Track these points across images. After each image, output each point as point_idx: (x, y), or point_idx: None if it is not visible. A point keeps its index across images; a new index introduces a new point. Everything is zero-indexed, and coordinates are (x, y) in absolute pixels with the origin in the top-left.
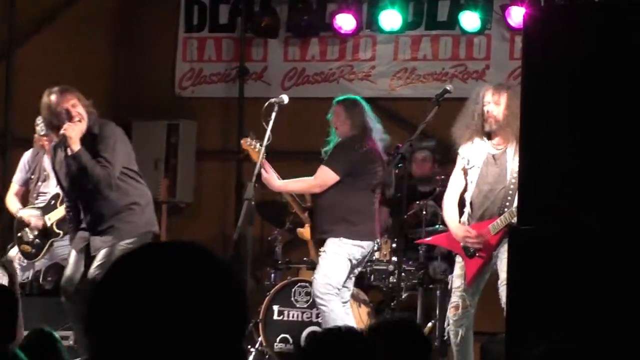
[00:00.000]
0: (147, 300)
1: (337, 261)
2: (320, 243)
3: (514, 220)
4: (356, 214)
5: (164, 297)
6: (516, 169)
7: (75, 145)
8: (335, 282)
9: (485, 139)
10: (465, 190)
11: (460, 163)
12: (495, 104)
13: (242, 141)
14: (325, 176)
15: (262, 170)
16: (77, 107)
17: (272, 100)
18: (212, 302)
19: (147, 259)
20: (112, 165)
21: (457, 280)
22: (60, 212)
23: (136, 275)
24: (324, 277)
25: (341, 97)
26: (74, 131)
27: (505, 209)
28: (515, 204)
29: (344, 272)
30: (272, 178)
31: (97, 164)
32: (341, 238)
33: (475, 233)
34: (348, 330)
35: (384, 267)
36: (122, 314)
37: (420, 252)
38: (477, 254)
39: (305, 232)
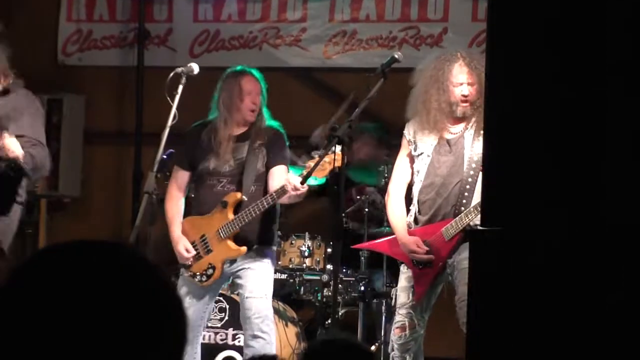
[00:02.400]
0: (62, 314)
1: (272, 277)
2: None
3: (474, 221)
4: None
5: (81, 310)
6: (475, 157)
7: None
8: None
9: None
10: (411, 182)
11: (405, 147)
12: (470, 85)
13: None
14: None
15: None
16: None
17: (179, 70)
18: (146, 322)
19: (63, 261)
20: None
21: (402, 294)
22: None
23: (49, 283)
24: (266, 298)
25: (254, 70)
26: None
27: (462, 208)
28: (474, 201)
29: None
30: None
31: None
32: (273, 247)
33: (425, 249)
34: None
35: (317, 278)
36: (28, 331)
37: (362, 258)
38: (427, 264)
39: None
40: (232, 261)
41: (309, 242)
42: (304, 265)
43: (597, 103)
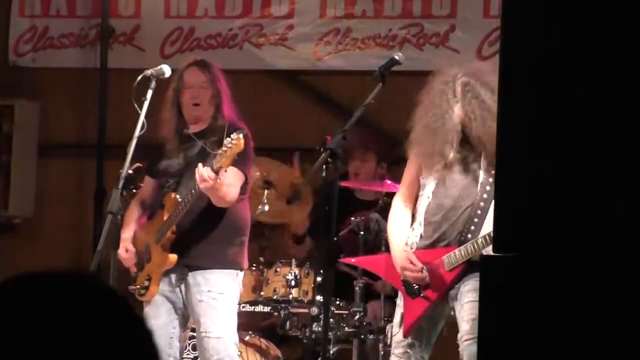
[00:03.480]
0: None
1: (233, 309)
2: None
3: (483, 252)
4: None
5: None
6: (490, 180)
7: None
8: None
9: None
10: (417, 196)
11: (414, 157)
12: (468, 124)
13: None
14: (241, 182)
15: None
16: None
17: (148, 72)
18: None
19: (8, 300)
20: None
21: (398, 329)
22: None
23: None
24: (232, 333)
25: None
26: None
27: (469, 236)
28: (484, 230)
29: None
30: None
31: None
32: (235, 270)
33: (419, 266)
34: None
35: (305, 310)
36: None
37: (357, 288)
38: (421, 294)
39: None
40: (179, 279)
41: (295, 270)
42: (290, 296)
43: (623, 125)
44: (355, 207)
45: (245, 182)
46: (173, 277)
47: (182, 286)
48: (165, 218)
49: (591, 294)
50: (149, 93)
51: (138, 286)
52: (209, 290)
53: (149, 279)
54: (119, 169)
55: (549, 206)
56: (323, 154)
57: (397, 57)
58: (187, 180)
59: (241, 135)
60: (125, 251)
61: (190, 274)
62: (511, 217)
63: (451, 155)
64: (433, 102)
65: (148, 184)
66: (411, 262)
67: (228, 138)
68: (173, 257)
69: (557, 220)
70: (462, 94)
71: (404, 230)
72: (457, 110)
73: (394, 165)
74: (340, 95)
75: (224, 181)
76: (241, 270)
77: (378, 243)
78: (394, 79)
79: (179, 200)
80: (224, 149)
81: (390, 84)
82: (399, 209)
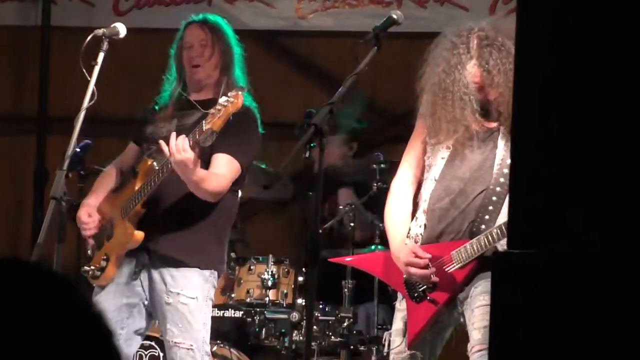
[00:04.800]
0: None
1: (205, 315)
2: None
3: (499, 246)
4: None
5: None
6: (509, 161)
7: None
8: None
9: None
10: (421, 179)
11: (420, 129)
12: (481, 87)
13: None
14: (236, 172)
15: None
16: None
17: (99, 31)
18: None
19: None
20: None
21: (397, 339)
22: None
23: None
24: (203, 343)
25: (209, 16)
26: None
27: (483, 226)
28: (501, 219)
29: None
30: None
31: None
32: (209, 269)
33: (425, 260)
34: None
35: (284, 316)
36: None
37: (346, 290)
38: (428, 296)
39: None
40: (138, 267)
41: (273, 268)
42: (267, 299)
43: None
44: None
45: (241, 177)
46: (133, 263)
47: (145, 280)
48: (136, 188)
49: (617, 297)
50: (100, 56)
51: (93, 267)
52: (178, 293)
53: (107, 259)
54: (64, 147)
55: (572, 197)
56: (307, 131)
57: (394, 16)
58: None
59: (240, 93)
60: (88, 216)
61: (155, 270)
62: (528, 208)
63: (464, 123)
64: (443, 57)
65: (130, 150)
66: (416, 256)
67: (224, 97)
68: (139, 234)
69: (581, 213)
70: (478, 48)
71: (405, 220)
72: (471, 68)
73: (390, 144)
74: (327, 61)
75: (214, 165)
76: (218, 271)
77: (368, 236)
78: (391, 42)
79: (155, 167)
80: (217, 107)
81: (386, 48)
82: (398, 194)
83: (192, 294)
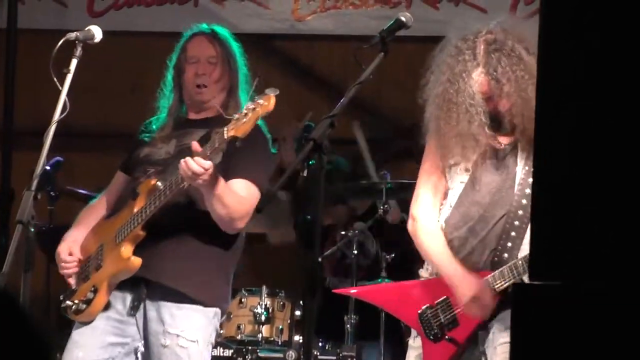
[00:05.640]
0: None
1: (209, 358)
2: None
3: (525, 278)
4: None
5: None
6: (531, 180)
7: None
8: None
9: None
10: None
11: (433, 149)
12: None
13: None
14: (256, 199)
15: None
16: None
17: (72, 35)
18: None
19: None
20: None
21: None
22: None
23: None
24: None
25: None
26: None
27: (506, 255)
28: (524, 249)
29: None
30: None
31: None
32: (214, 307)
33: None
34: None
35: (279, 355)
36: None
37: (348, 326)
38: (446, 335)
39: None
40: (135, 304)
41: (267, 301)
42: (260, 335)
43: None
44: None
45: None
46: (128, 298)
47: (140, 318)
48: (135, 210)
49: None
50: (73, 63)
51: (77, 300)
52: (178, 335)
53: (95, 290)
54: (33, 164)
55: (605, 222)
56: (305, 146)
57: (403, 19)
58: (174, 170)
59: (273, 95)
60: (69, 254)
61: (152, 306)
62: (552, 233)
63: (473, 138)
64: (447, 64)
65: (118, 179)
66: (484, 292)
67: (249, 102)
68: (136, 260)
69: (614, 241)
70: (486, 53)
71: (444, 244)
72: (477, 77)
73: (397, 161)
74: (328, 68)
75: (233, 187)
76: (222, 311)
77: (374, 265)
78: (399, 47)
79: (160, 186)
80: (243, 111)
81: (394, 53)
82: (425, 219)
83: (192, 336)
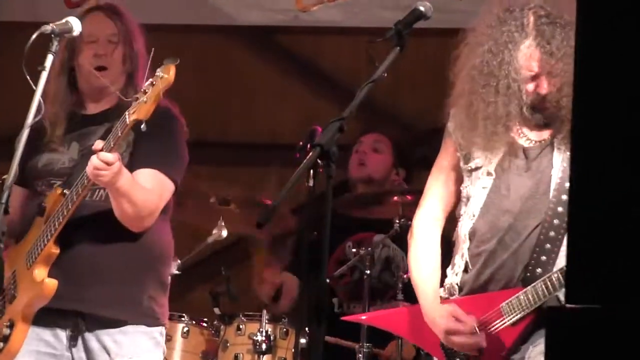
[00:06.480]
0: None
1: None
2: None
3: (560, 295)
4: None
5: None
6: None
7: None
8: None
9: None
10: (457, 214)
11: (449, 150)
12: (538, 76)
13: None
14: (168, 192)
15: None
16: None
17: (48, 28)
18: None
19: None
20: None
21: None
22: None
23: None
24: None
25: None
26: None
27: (539, 270)
28: (561, 260)
29: None
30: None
31: None
32: (159, 326)
33: (470, 325)
34: None
35: None
36: None
37: (360, 355)
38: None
39: None
40: (72, 336)
41: (268, 328)
42: None
43: None
44: (352, 229)
45: (171, 200)
46: (62, 334)
47: (79, 351)
48: (43, 226)
49: None
50: (49, 59)
51: None
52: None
53: (11, 325)
54: (3, 173)
55: None
56: (310, 154)
57: (422, 8)
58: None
59: (172, 64)
60: None
61: (91, 336)
62: (592, 250)
63: (505, 124)
64: (488, 35)
65: (16, 196)
66: (457, 320)
67: (150, 79)
68: (51, 282)
69: None
70: (536, 25)
71: (435, 269)
72: (526, 49)
73: (413, 171)
74: (336, 65)
75: (138, 179)
76: (163, 326)
77: (390, 284)
78: (418, 40)
79: (66, 193)
80: (143, 90)
81: (411, 48)
82: (423, 236)
83: (138, 355)
